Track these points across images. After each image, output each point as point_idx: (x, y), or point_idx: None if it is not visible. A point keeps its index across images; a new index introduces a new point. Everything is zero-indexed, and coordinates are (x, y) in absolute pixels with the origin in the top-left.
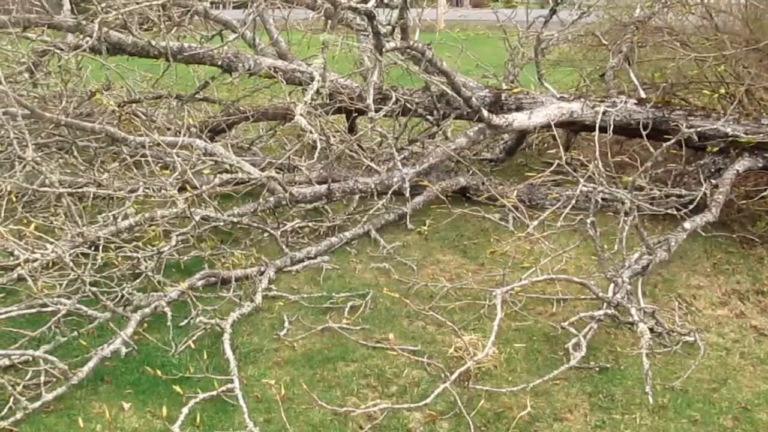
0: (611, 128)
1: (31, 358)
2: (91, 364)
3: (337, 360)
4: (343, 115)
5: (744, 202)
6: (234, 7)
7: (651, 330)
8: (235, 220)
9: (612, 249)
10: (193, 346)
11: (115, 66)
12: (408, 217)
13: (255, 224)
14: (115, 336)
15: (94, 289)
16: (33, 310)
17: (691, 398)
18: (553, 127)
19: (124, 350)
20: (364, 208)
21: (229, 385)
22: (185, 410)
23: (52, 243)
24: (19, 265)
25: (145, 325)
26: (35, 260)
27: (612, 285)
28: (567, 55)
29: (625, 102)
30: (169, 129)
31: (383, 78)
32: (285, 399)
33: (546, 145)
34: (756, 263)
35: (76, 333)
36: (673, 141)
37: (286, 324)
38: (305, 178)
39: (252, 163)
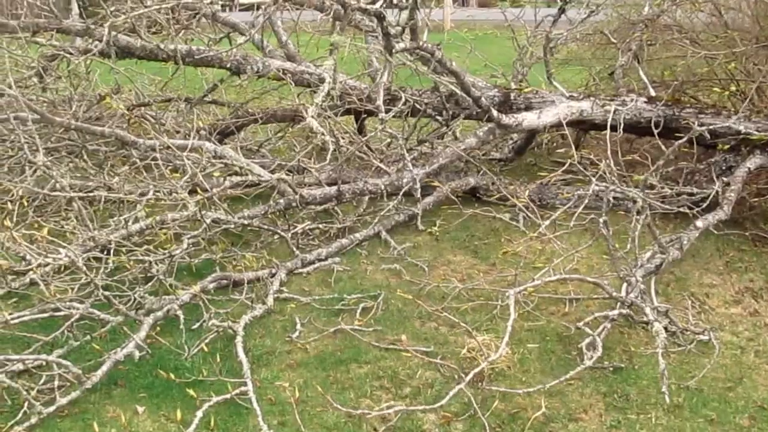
0: (621, 127)
1: (44, 363)
2: (104, 368)
3: (349, 362)
4: (352, 116)
5: (756, 199)
6: (240, 10)
7: (665, 329)
8: (246, 222)
9: (624, 248)
10: (205, 349)
11: (124, 69)
12: (419, 217)
13: (266, 226)
14: (128, 340)
15: (107, 293)
16: (45, 315)
17: (706, 397)
18: (564, 126)
19: (137, 354)
20: (373, 209)
21: (243, 388)
22: (199, 414)
23: (64, 247)
24: (31, 269)
25: (158, 328)
26: (47, 264)
27: (625, 284)
28: (575, 54)
29: (635, 100)
30: (178, 132)
31: (392, 79)
32: (299, 402)
33: (555, 144)
34: None
35: (89, 337)
36: (685, 139)
37: (298, 326)
38: (315, 180)
39: (261, 165)
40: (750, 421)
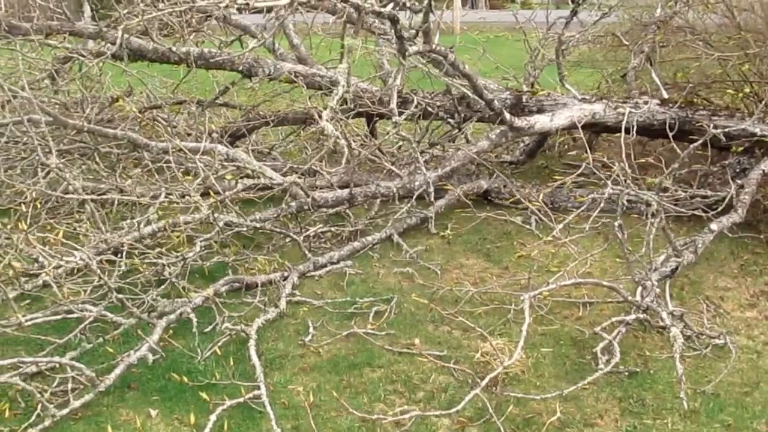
0: (634, 129)
1: (57, 365)
2: (117, 371)
3: (363, 366)
4: (362, 119)
5: None
6: (251, 12)
7: (680, 333)
8: (258, 225)
9: (637, 251)
10: (218, 352)
11: (136, 72)
12: (432, 220)
13: (278, 229)
14: (141, 342)
15: (120, 296)
16: (58, 317)
17: (723, 402)
18: (579, 128)
19: (150, 357)
20: (385, 212)
21: (256, 392)
22: (213, 417)
23: (77, 249)
24: (44, 270)
25: (170, 331)
26: (60, 267)
27: (640, 288)
28: (587, 56)
29: (648, 103)
30: (189, 134)
31: (404, 81)
32: (312, 406)
33: (567, 146)
34: None
35: (101, 339)
36: (700, 141)
37: (311, 330)
38: (326, 183)
39: (273, 167)
40: None
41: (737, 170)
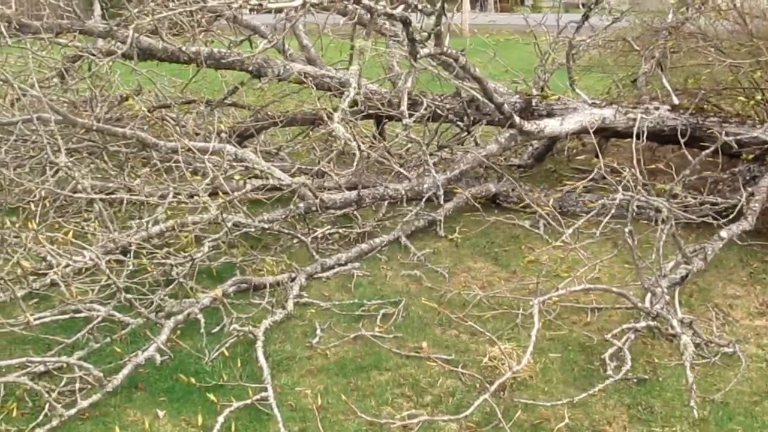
0: (644, 135)
1: (65, 365)
2: (125, 371)
3: (370, 369)
4: (370, 121)
5: None
6: (251, 10)
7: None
8: (266, 226)
9: (646, 257)
10: (226, 353)
11: (146, 71)
12: (441, 223)
13: (286, 231)
14: (149, 343)
15: (129, 296)
16: (66, 316)
17: (732, 411)
18: (591, 134)
19: (158, 358)
20: (393, 214)
21: (263, 394)
22: (221, 419)
23: (84, 248)
24: (52, 269)
25: (178, 332)
26: (68, 266)
27: (649, 295)
28: (597, 61)
29: (658, 108)
30: (198, 134)
31: (414, 83)
32: (320, 409)
33: (575, 151)
34: None
35: (109, 339)
36: (712, 148)
37: (318, 332)
38: (334, 184)
39: (281, 168)
40: None
41: (747, 178)
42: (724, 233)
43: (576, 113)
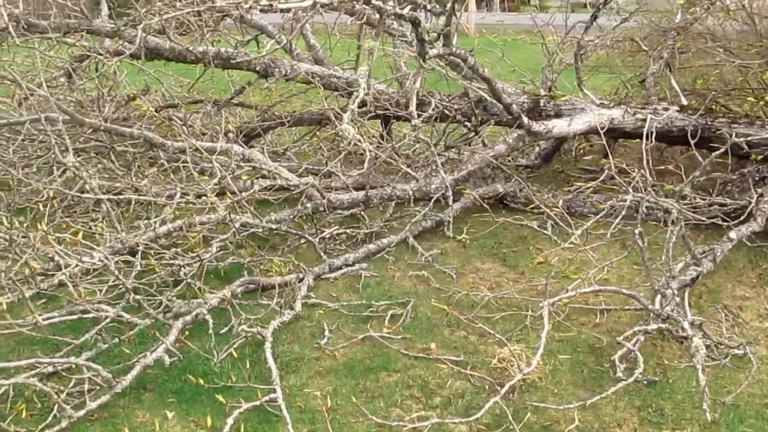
0: (653, 135)
1: (73, 366)
2: (134, 372)
3: (379, 370)
4: (376, 121)
5: None
6: (261, 10)
7: None
8: (274, 226)
9: (655, 258)
10: (234, 354)
11: (153, 71)
12: (450, 224)
13: (294, 231)
14: (157, 343)
15: (138, 297)
16: (74, 317)
17: (743, 414)
18: (601, 135)
19: (167, 359)
20: (400, 214)
21: (272, 395)
22: (230, 421)
23: (92, 249)
24: (60, 270)
25: (186, 332)
26: (77, 266)
27: (659, 297)
28: (605, 61)
29: (667, 109)
30: (204, 134)
31: (423, 84)
32: (329, 410)
33: (582, 151)
34: None
35: (117, 340)
36: (722, 150)
37: (327, 333)
38: (342, 184)
39: (288, 168)
40: None
41: (757, 179)
42: (733, 234)
43: (584, 114)
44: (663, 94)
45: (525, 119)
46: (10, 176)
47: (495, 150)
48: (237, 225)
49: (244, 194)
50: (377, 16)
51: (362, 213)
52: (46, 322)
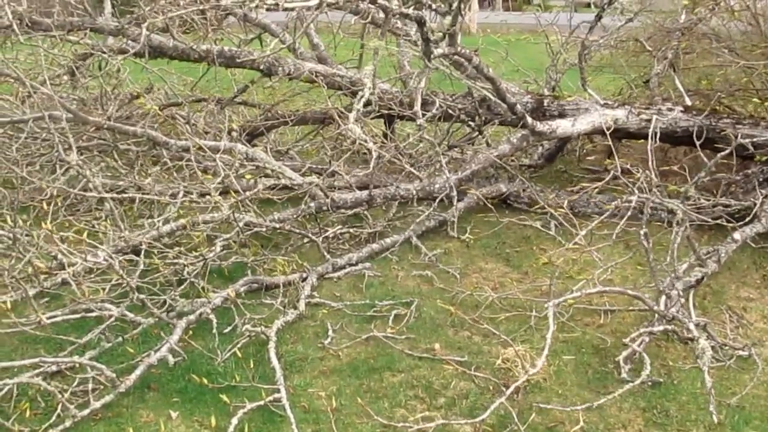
0: (657, 136)
1: (77, 365)
2: (138, 371)
3: (383, 370)
4: (379, 120)
5: None
6: (267, 9)
7: None
8: (277, 225)
9: (660, 260)
10: (238, 354)
11: (157, 69)
12: (455, 224)
13: (297, 230)
14: (161, 342)
15: (142, 296)
16: (78, 316)
17: (748, 415)
18: (607, 135)
19: (171, 358)
20: (403, 214)
21: (276, 395)
22: (234, 420)
23: (95, 247)
24: (63, 268)
25: (190, 332)
26: (80, 265)
27: (664, 297)
28: (609, 61)
29: (672, 109)
30: (208, 133)
31: (427, 83)
32: (333, 410)
33: (586, 151)
34: None
35: (121, 339)
36: (728, 150)
37: (331, 332)
38: (345, 184)
39: (291, 167)
40: None
41: (761, 180)
42: (737, 235)
43: (588, 114)
44: (667, 94)
45: (529, 119)
46: (13, 174)
47: (499, 150)
48: (240, 224)
49: (247, 193)
50: (382, 15)
51: (366, 212)
52: (49, 321)
